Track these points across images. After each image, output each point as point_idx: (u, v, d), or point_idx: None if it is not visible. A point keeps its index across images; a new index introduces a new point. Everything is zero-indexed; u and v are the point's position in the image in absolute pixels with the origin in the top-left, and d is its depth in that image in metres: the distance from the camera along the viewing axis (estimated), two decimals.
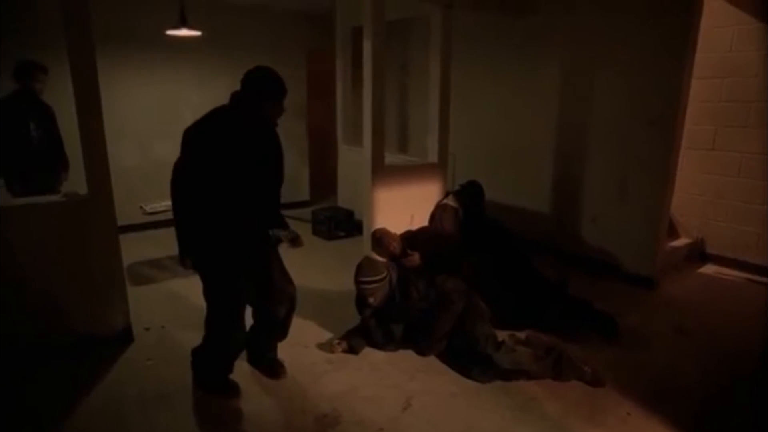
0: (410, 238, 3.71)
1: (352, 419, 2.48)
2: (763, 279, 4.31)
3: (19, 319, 2.83)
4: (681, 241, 4.81)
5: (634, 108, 4.11)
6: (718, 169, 4.55)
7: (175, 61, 5.40)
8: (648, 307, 3.81)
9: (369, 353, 3.06)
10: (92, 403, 2.59)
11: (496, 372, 2.76)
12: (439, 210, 4.15)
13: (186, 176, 2.38)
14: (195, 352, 2.70)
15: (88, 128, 2.87)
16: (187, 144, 2.37)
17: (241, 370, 2.85)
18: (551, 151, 4.84)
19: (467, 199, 4.12)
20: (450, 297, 2.97)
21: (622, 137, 4.22)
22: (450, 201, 4.14)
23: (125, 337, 3.15)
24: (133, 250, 4.45)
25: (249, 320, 2.73)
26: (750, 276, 4.41)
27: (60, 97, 3.94)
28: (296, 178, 6.81)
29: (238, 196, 2.44)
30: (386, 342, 3.07)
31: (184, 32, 4.34)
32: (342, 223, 5.49)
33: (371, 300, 3.06)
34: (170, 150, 2.68)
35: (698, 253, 4.80)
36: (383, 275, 3.06)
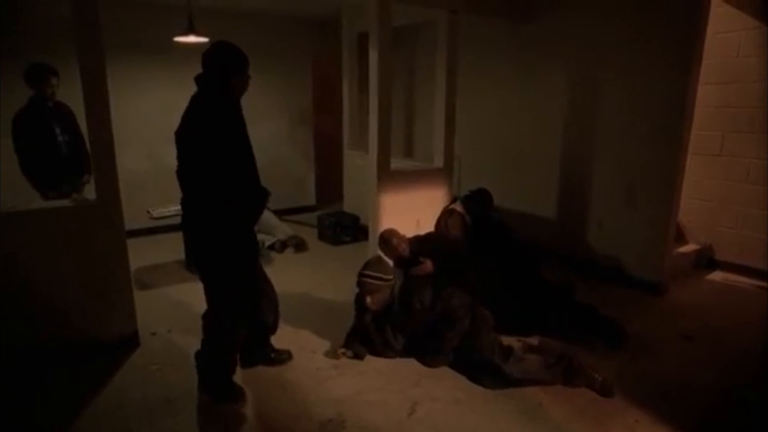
0: (419, 243, 3.71)
1: (356, 424, 2.47)
2: None
3: (25, 323, 2.85)
4: (688, 247, 4.78)
5: (640, 113, 4.10)
6: (726, 174, 4.52)
7: (183, 68, 5.40)
8: (655, 314, 3.79)
9: (374, 358, 3.06)
10: (98, 407, 2.59)
11: (506, 381, 2.75)
12: (445, 215, 4.15)
13: (182, 176, 2.43)
14: (199, 356, 2.68)
15: (97, 134, 2.90)
16: (177, 147, 2.42)
17: (244, 375, 2.85)
18: (557, 156, 4.83)
19: (474, 205, 4.12)
20: (456, 314, 2.89)
21: (628, 142, 4.21)
22: (457, 207, 4.14)
23: (132, 341, 3.16)
24: (140, 254, 4.47)
25: None
26: (758, 282, 4.36)
27: (68, 102, 3.99)
28: (302, 182, 6.84)
29: (220, 180, 2.37)
30: (386, 349, 3.03)
31: (191, 39, 4.38)
32: (348, 228, 5.49)
33: (368, 300, 3.01)
34: None
35: (706, 259, 4.77)
36: (389, 277, 3.05)
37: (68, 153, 3.90)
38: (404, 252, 3.69)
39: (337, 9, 5.77)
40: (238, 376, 2.76)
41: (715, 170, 4.59)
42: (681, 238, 4.78)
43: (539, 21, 4.81)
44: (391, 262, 3.15)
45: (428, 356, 2.98)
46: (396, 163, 4.46)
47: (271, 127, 6.29)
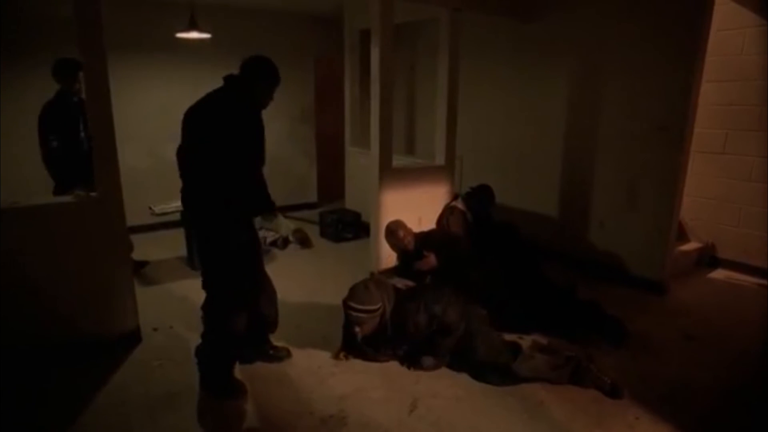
0: (423, 239, 3.72)
1: (358, 421, 2.48)
2: None
3: (27, 319, 2.86)
4: (691, 246, 4.77)
5: (642, 112, 4.09)
6: (729, 173, 4.51)
7: (185, 64, 5.44)
8: (657, 312, 3.78)
9: None
10: (100, 403, 2.60)
11: (514, 380, 2.75)
12: (446, 212, 4.16)
13: (186, 157, 2.48)
14: (199, 352, 2.68)
15: (99, 130, 2.90)
16: (183, 126, 2.48)
17: (246, 372, 2.86)
18: (559, 154, 4.82)
19: (476, 202, 4.12)
20: (453, 326, 2.79)
21: (630, 141, 4.20)
22: (458, 204, 4.14)
23: (133, 337, 3.16)
24: (142, 250, 4.48)
25: None
26: (760, 281, 4.36)
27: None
28: (304, 180, 6.85)
29: (231, 174, 2.45)
30: (378, 354, 2.96)
31: (194, 35, 4.38)
32: (349, 225, 5.50)
33: (357, 330, 2.78)
34: None
35: (708, 258, 4.76)
36: (376, 307, 2.77)
37: (89, 149, 3.90)
38: (409, 245, 3.70)
39: (340, 6, 5.76)
40: (239, 372, 2.76)
41: (718, 168, 4.58)
42: (683, 237, 4.78)
43: (541, 20, 4.80)
44: (377, 292, 2.81)
45: (424, 365, 2.86)
46: (398, 161, 4.47)
47: (274, 125, 6.24)
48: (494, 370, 2.77)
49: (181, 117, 2.49)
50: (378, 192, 4.16)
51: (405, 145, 6.75)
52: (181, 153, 2.52)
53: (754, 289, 4.28)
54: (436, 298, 2.85)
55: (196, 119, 2.46)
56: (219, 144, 2.40)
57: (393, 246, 3.78)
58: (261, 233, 5.30)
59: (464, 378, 2.82)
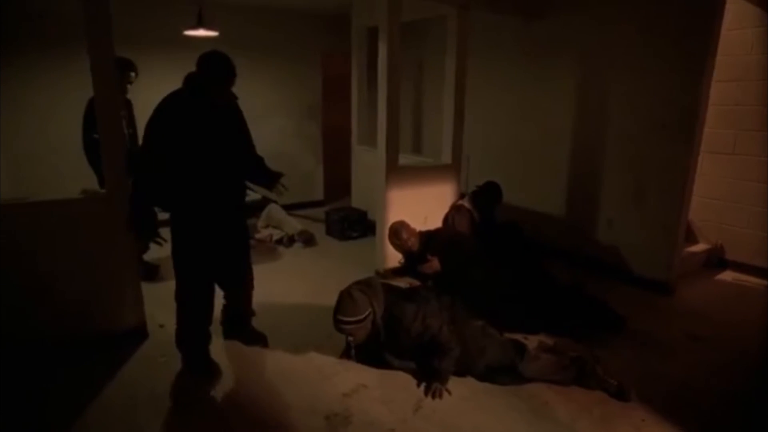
0: (427, 238, 3.71)
1: (362, 419, 2.48)
2: None
3: (34, 315, 2.88)
4: (699, 247, 4.74)
5: (651, 111, 4.06)
6: (738, 173, 4.47)
7: (191, 62, 5.46)
8: (663, 313, 3.76)
9: None
10: (106, 397, 2.62)
11: (519, 380, 2.74)
12: (453, 211, 4.14)
13: (150, 159, 2.59)
14: (176, 333, 2.87)
15: (107, 127, 2.92)
16: (149, 131, 2.59)
17: (251, 369, 2.87)
18: (566, 153, 4.80)
19: (483, 201, 4.10)
20: (448, 345, 2.71)
21: (638, 140, 4.17)
22: (465, 203, 4.12)
23: (139, 333, 3.18)
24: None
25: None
26: None
27: (73, 95, 3.99)
28: (310, 177, 6.85)
29: (202, 170, 2.61)
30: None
31: (201, 33, 4.39)
32: (355, 224, 5.50)
33: (350, 339, 2.75)
34: None
35: (716, 259, 4.72)
36: (365, 315, 2.68)
37: (130, 146, 3.93)
38: (413, 246, 3.68)
39: (347, 3, 5.75)
40: (248, 370, 2.77)
41: (727, 169, 4.53)
42: (691, 238, 4.74)
43: (549, 18, 4.77)
44: (364, 296, 2.73)
45: (430, 385, 2.73)
46: (404, 159, 4.46)
47: (280, 122, 6.30)
48: (500, 371, 2.76)
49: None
50: (384, 190, 4.15)
51: (412, 143, 6.74)
52: (148, 154, 2.60)
53: (761, 290, 4.24)
54: (434, 312, 2.77)
55: (162, 125, 2.58)
56: (204, 147, 2.58)
57: (396, 247, 3.77)
58: (267, 231, 5.34)
59: (469, 378, 2.81)
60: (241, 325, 3.17)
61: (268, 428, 2.42)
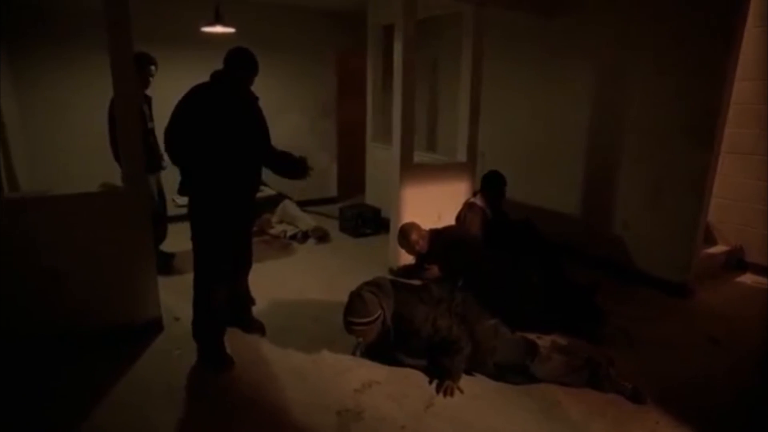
0: (434, 237, 3.69)
1: (374, 415, 2.48)
2: None
3: (52, 309, 2.93)
4: (718, 248, 4.65)
5: (670, 110, 3.99)
6: (760, 174, 4.37)
7: (208, 58, 5.49)
8: (681, 316, 3.70)
9: None
10: (122, 389, 2.66)
11: (531, 380, 2.72)
12: (465, 209, 4.11)
13: (176, 139, 2.71)
14: (196, 333, 2.92)
15: (125, 123, 2.96)
16: (176, 114, 2.73)
17: (263, 365, 2.89)
18: (582, 153, 4.74)
19: (493, 196, 4.05)
20: (459, 344, 2.71)
21: (657, 140, 4.10)
22: (477, 200, 4.09)
23: (155, 326, 3.22)
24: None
25: None
26: None
27: (92, 90, 4.05)
28: (324, 174, 6.87)
29: (225, 159, 2.71)
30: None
31: (218, 29, 4.42)
32: (369, 221, 5.50)
33: (361, 340, 2.84)
34: None
35: (736, 261, 4.63)
36: (375, 316, 2.70)
37: (153, 140, 4.02)
38: (422, 249, 3.66)
39: (363, 1, 5.75)
40: (258, 367, 2.78)
41: (749, 170, 4.44)
42: (710, 239, 4.66)
43: (566, 15, 4.72)
44: (374, 297, 2.74)
45: (442, 383, 2.74)
46: (419, 157, 4.44)
47: (295, 120, 6.32)
48: (510, 370, 2.74)
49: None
50: (398, 188, 4.15)
51: (426, 141, 6.72)
52: (178, 139, 2.72)
53: None
54: (444, 313, 2.78)
55: (198, 115, 2.69)
56: (227, 136, 2.68)
57: (406, 250, 3.75)
58: (281, 227, 5.37)
59: (480, 376, 2.81)
60: (243, 311, 3.25)
61: (280, 424, 2.44)
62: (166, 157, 2.94)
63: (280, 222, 5.45)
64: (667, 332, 3.38)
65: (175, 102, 2.74)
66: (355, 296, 2.76)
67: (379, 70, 5.91)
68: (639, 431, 2.42)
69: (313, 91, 6.46)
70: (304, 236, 5.23)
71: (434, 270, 3.53)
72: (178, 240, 4.89)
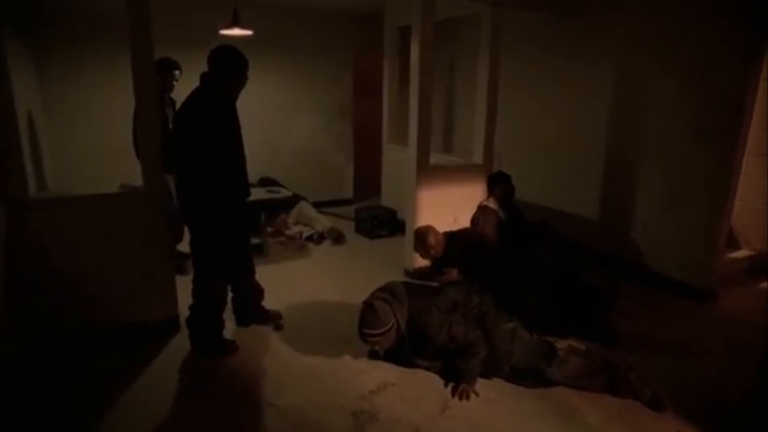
0: (450, 239, 3.67)
1: (389, 417, 2.48)
2: None
3: (71, 308, 2.98)
4: (741, 253, 4.54)
5: (693, 111, 3.91)
6: None
7: None
8: (702, 321, 3.63)
9: None
10: (137, 387, 2.69)
11: (546, 383, 2.70)
12: (479, 212, 4.09)
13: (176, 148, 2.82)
14: (190, 321, 2.99)
15: (145, 125, 3.00)
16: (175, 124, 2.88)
17: (276, 366, 2.90)
18: (601, 154, 4.68)
19: (503, 195, 4.02)
20: (475, 348, 2.70)
21: (679, 141, 4.02)
22: (490, 203, 4.07)
23: (172, 325, 3.25)
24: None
25: None
26: None
27: (110, 91, 4.10)
28: (340, 175, 6.89)
29: (225, 159, 2.80)
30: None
31: (236, 32, 4.46)
32: (385, 222, 5.50)
33: (378, 348, 2.86)
34: None
35: (759, 266, 4.53)
36: (389, 326, 2.71)
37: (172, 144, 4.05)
38: (437, 253, 3.64)
39: (380, 3, 5.76)
40: (272, 362, 2.79)
41: None
42: (733, 243, 4.55)
43: (586, 15, 4.66)
44: (387, 306, 2.75)
45: (457, 386, 2.72)
46: (435, 158, 4.43)
47: (311, 120, 6.35)
48: (525, 373, 2.72)
49: None
50: (414, 190, 4.14)
51: (443, 143, 6.70)
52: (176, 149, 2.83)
53: None
54: (459, 320, 2.76)
55: (184, 122, 2.79)
56: (205, 141, 2.71)
57: (421, 255, 3.73)
58: (297, 228, 5.39)
59: (496, 380, 2.78)
60: (255, 306, 3.36)
61: (294, 424, 2.44)
62: None
63: (296, 223, 5.48)
64: (688, 337, 3.32)
65: None
66: (368, 307, 2.75)
67: (396, 72, 5.92)
68: None
69: (329, 92, 6.48)
70: (320, 237, 5.25)
71: (453, 273, 3.51)
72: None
